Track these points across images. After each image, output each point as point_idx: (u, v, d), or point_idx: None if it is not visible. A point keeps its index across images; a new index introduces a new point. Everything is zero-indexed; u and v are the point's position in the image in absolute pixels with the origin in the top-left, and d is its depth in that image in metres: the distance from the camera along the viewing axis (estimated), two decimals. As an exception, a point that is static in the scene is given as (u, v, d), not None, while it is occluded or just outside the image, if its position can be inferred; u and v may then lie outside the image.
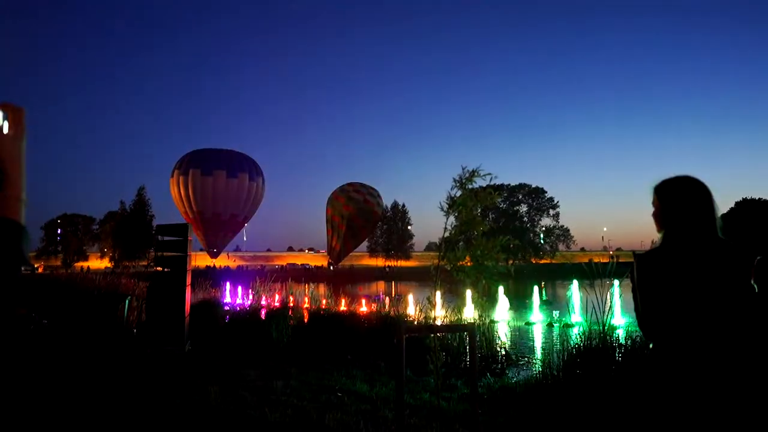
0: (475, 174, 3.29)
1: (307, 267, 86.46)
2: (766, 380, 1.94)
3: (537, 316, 15.72)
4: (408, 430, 3.60)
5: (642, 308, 2.05)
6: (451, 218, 3.35)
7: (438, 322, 12.34)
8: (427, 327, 3.66)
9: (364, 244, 75.39)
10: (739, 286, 1.91)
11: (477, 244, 3.16)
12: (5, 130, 1.33)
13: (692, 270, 1.94)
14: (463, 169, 3.30)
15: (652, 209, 2.17)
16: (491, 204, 3.44)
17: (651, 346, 2.04)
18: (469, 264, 3.17)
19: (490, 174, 3.27)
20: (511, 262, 76.83)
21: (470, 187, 3.33)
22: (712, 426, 1.83)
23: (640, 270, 2.06)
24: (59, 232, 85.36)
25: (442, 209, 3.37)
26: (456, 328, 5.21)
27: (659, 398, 1.94)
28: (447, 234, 3.33)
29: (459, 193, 3.35)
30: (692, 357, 1.88)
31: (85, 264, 79.61)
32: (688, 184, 2.07)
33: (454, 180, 3.31)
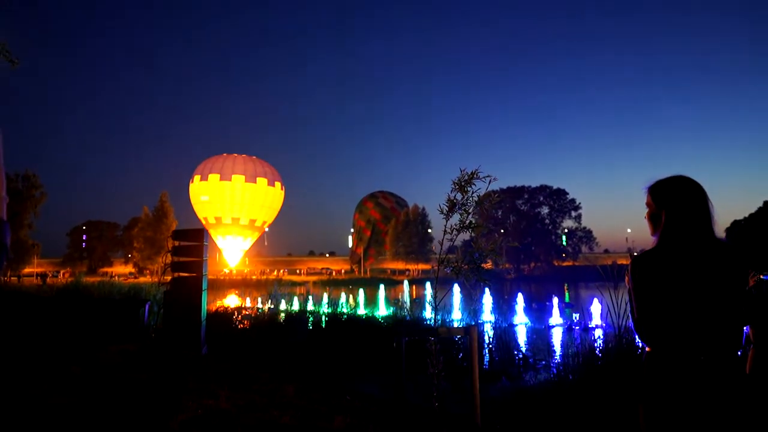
0: (474, 176, 3.27)
1: (329, 271, 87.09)
2: (763, 381, 1.91)
3: (557, 319, 15.63)
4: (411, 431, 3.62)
5: (638, 311, 2.03)
6: (451, 221, 3.36)
7: (455, 325, 12.33)
8: (427, 330, 3.65)
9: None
10: (736, 288, 1.88)
11: (476, 247, 3.15)
12: None
13: (689, 272, 1.92)
14: (461, 171, 3.29)
15: None
16: (490, 206, 3.42)
17: (647, 349, 2.02)
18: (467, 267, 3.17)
19: (489, 176, 3.25)
20: (533, 265, 76.25)
21: (469, 189, 3.32)
22: (707, 428, 1.80)
23: (636, 272, 2.04)
24: (84, 238, 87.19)
25: (441, 212, 3.37)
26: (457, 330, 5.19)
27: (655, 401, 1.92)
28: (447, 236, 3.34)
29: (459, 196, 3.34)
30: (688, 360, 1.86)
31: (109, 270, 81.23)
32: (682, 185, 2.05)
33: (454, 182, 3.30)
